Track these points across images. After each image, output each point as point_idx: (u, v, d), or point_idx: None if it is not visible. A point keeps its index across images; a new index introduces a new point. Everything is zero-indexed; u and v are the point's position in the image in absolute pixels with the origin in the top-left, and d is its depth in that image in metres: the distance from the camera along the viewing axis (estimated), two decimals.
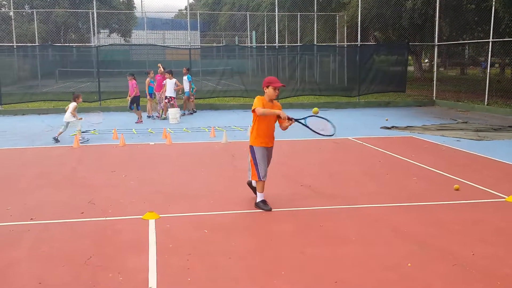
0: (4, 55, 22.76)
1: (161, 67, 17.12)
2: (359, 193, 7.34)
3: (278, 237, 5.53)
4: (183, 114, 17.31)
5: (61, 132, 12.09)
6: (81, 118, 12.21)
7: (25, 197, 7.21)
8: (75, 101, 12.34)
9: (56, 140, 11.89)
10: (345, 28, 28.03)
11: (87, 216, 6.30)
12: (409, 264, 4.77)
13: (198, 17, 30.97)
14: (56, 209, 6.64)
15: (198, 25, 30.48)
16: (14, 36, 26.77)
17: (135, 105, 15.67)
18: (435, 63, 24.05)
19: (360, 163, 9.51)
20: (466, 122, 15.45)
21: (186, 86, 17.63)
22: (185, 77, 17.65)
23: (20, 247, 5.27)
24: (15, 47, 25.51)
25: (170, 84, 16.37)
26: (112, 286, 4.37)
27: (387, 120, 13.40)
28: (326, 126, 6.70)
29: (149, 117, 16.95)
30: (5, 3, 37.10)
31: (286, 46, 27.32)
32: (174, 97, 16.52)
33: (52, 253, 5.10)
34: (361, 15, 22.44)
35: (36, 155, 10.55)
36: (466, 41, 28.12)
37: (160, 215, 6.23)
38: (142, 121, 15.78)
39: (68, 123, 12.15)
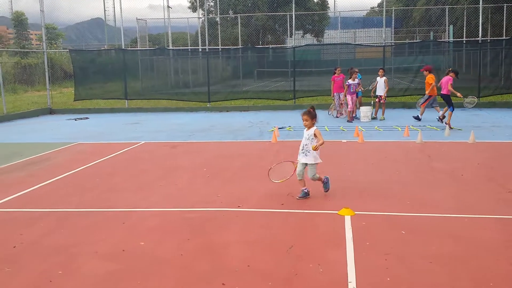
0: (211, 57, 25.08)
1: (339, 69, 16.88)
2: None
3: (484, 246, 5.17)
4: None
5: None
6: None
7: (231, 186, 7.92)
8: None
9: None
10: None
11: (286, 208, 6.67)
12: None
13: (393, 13, 30.16)
14: (259, 198, 7.16)
15: (393, 22, 29.72)
16: (219, 39, 29.44)
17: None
18: None
19: None
20: None
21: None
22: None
23: (231, 231, 5.83)
24: (220, 49, 28.06)
25: (380, 83, 16.45)
26: (313, 276, 4.57)
27: None
28: None
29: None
30: (213, 9, 40.95)
31: (489, 40, 25.14)
32: (381, 96, 16.48)
33: (257, 239, 5.53)
34: None
35: (240, 149, 11.48)
36: None
37: (356, 212, 6.30)
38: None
39: None
